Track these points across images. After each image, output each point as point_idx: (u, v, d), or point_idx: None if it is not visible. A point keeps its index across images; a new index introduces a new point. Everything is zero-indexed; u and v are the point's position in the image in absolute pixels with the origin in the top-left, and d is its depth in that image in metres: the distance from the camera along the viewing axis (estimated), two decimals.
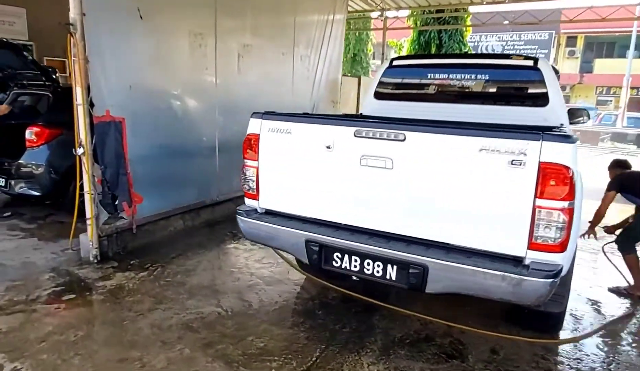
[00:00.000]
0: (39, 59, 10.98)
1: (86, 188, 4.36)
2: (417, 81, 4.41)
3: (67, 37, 4.11)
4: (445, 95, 4.23)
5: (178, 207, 5.45)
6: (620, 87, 32.66)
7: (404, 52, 12.62)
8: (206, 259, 4.77)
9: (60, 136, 5.59)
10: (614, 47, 33.39)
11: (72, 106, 5.82)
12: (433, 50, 11.82)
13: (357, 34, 26.70)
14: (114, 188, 4.58)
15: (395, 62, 4.45)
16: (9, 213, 5.93)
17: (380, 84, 4.52)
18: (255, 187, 3.04)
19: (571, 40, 33.32)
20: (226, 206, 6.22)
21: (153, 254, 4.77)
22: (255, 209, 3.12)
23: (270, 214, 3.06)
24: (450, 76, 4.18)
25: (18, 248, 4.83)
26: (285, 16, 6.92)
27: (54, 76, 5.73)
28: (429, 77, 4.28)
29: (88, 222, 4.43)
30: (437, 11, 11.69)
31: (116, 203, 4.64)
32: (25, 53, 5.18)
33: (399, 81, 4.50)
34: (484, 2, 9.72)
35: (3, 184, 5.76)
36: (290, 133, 2.83)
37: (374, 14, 11.47)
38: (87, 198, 4.39)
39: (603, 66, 32.56)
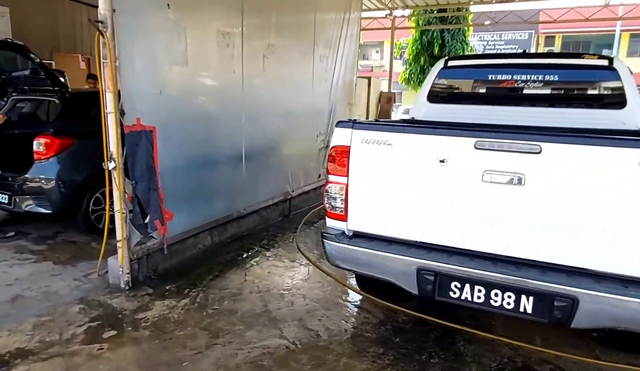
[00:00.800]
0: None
1: (117, 206, 3.87)
2: (477, 82, 4.12)
3: (96, 37, 3.63)
4: (511, 97, 3.94)
5: (207, 222, 5.00)
6: None
7: (404, 52, 12.39)
8: (246, 278, 4.35)
9: (71, 146, 5.06)
10: (589, 46, 34.18)
11: (83, 113, 5.35)
12: (436, 50, 11.63)
13: None
14: (146, 205, 4.11)
15: (450, 63, 4.13)
16: (12, 233, 5.35)
17: (434, 85, 4.19)
18: (343, 206, 2.66)
19: (549, 39, 33.97)
20: (251, 219, 5.80)
21: (188, 277, 4.32)
22: (343, 232, 2.73)
23: (360, 237, 2.68)
24: (516, 76, 3.90)
25: (34, 275, 4.29)
26: (307, 14, 6.53)
27: (62, 80, 5.16)
28: (490, 78, 3.99)
29: (119, 244, 3.94)
30: (439, 11, 11.54)
31: (146, 221, 4.17)
32: (32, 54, 4.63)
33: (457, 82, 4.19)
34: (494, 1, 9.58)
35: (6, 202, 5.18)
36: (391, 145, 2.46)
37: (381, 13, 11.18)
38: (117, 217, 3.90)
39: None
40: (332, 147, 2.65)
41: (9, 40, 4.57)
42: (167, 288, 4.08)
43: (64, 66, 10.80)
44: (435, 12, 11.47)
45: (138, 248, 4.13)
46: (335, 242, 2.66)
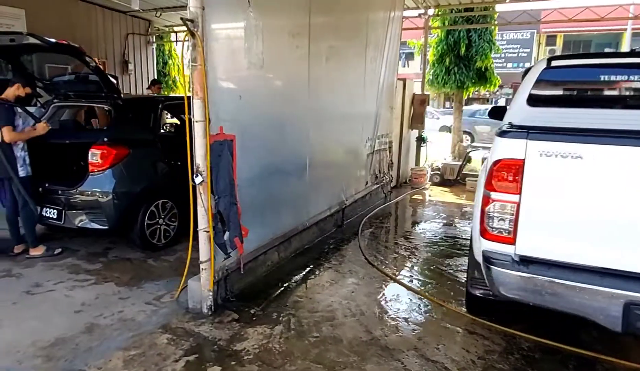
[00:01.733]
0: (39, 65, 9.81)
1: (202, 224, 3.51)
2: (588, 84, 3.82)
3: (184, 37, 3.26)
4: (629, 99, 3.65)
5: (275, 237, 4.64)
6: None
7: (428, 53, 12.09)
8: (332, 299, 4.00)
9: (127, 157, 4.69)
10: (590, 45, 34.30)
11: (137, 121, 4.97)
12: (463, 50, 11.33)
13: None
14: (227, 221, 3.75)
15: (554, 63, 3.83)
16: (59, 250, 4.94)
17: (535, 87, 3.88)
18: (510, 228, 2.33)
19: (551, 39, 33.98)
20: (311, 231, 5.46)
21: (267, 298, 3.98)
22: (510, 256, 2.40)
23: (531, 262, 2.35)
24: (634, 77, 3.60)
25: (100, 298, 3.91)
26: (361, 13, 6.20)
27: (115, 85, 4.76)
28: (603, 79, 3.69)
29: (203, 266, 3.57)
30: (466, 10, 11.28)
31: (225, 238, 3.81)
32: (87, 58, 4.25)
33: (562, 84, 3.89)
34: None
35: (55, 217, 4.79)
36: (582, 158, 2.15)
37: (414, 12, 10.89)
38: (203, 237, 3.54)
39: None
40: (498, 161, 2.33)
41: (65, 43, 4.17)
42: (252, 311, 3.72)
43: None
44: (462, 11, 11.24)
45: (218, 268, 3.77)
46: (509, 270, 2.33)
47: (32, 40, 4.03)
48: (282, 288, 4.21)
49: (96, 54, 10.95)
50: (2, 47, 4.36)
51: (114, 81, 4.93)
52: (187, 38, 3.24)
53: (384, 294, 4.14)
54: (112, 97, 4.78)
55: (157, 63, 13.44)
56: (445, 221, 6.81)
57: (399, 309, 3.86)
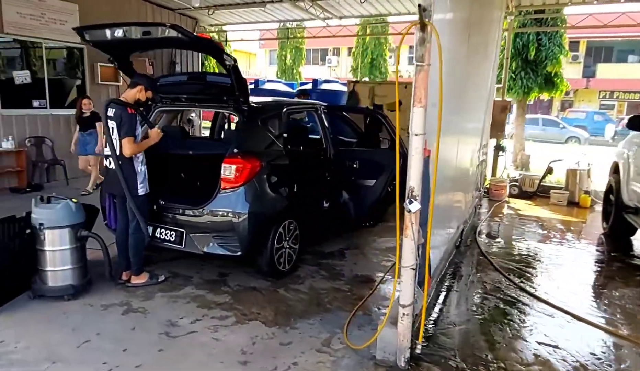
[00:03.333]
0: (90, 65, 9.17)
1: (409, 260, 2.86)
2: None
3: (406, 31, 2.63)
4: None
5: (441, 264, 4.01)
6: (624, 92, 33.19)
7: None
8: (539, 349, 3.35)
9: (260, 171, 4.04)
10: (612, 51, 33.87)
11: (266, 130, 4.32)
12: (532, 53, 10.76)
13: (377, 39, 25.65)
14: (423, 252, 3.11)
15: None
16: (163, 277, 4.27)
17: None
18: None
19: (574, 44, 33.43)
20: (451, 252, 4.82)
21: (454, 342, 3.33)
22: None
23: None
24: None
25: (258, 344, 3.24)
26: (494, 10, 5.58)
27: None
28: None
29: (405, 311, 2.92)
30: (536, 12, 10.69)
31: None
32: (226, 56, 3.60)
33: None
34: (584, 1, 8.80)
35: (174, 240, 4.13)
36: None
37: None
38: (408, 276, 2.88)
39: (605, 70, 32.95)
40: None
41: (208, 38, 3.53)
42: (454, 365, 3.07)
43: None
44: (532, 13, 10.65)
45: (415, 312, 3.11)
46: None
47: (172, 33, 3.38)
48: (464, 329, 3.57)
49: (145, 56, 10.32)
50: (132, 41, 3.71)
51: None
52: (412, 30, 2.61)
53: (574, 336, 3.51)
54: (239, 101, 4.12)
55: None
56: (563, 241, 6.19)
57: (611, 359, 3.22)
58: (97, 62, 9.16)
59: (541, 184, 9.22)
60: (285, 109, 4.59)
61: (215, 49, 3.61)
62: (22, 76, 7.95)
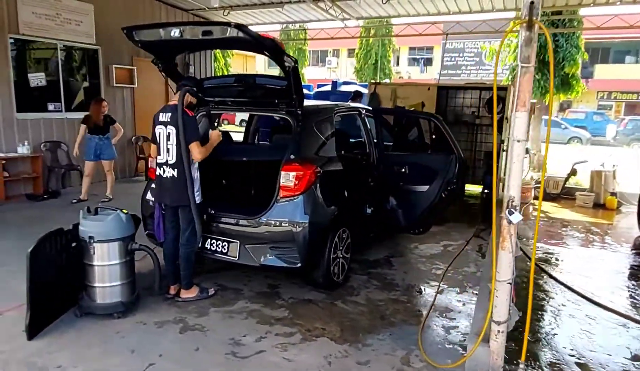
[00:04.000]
0: (104, 67, 8.90)
1: (507, 274, 2.68)
2: None
3: (509, 29, 2.45)
4: None
5: None
6: (621, 93, 33.43)
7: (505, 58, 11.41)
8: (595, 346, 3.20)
9: (318, 178, 3.84)
10: (609, 53, 34.10)
11: (318, 134, 4.12)
12: (549, 55, 10.64)
13: (381, 40, 25.52)
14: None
15: None
16: (213, 291, 4.06)
17: None
18: None
19: None
20: None
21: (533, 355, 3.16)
22: None
23: None
24: None
25: (335, 365, 3.04)
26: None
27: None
28: None
29: (500, 328, 2.73)
30: (553, 13, 10.59)
31: None
32: (287, 57, 3.38)
33: None
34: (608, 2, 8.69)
35: (226, 251, 3.92)
36: None
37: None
38: (504, 290, 2.70)
39: (602, 71, 33.18)
40: None
41: (271, 38, 3.32)
42: None
43: (146, 72, 9.49)
44: (549, 15, 10.55)
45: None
46: None
47: (234, 33, 3.16)
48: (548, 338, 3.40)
49: None
50: (187, 42, 3.49)
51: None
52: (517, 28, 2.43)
53: None
54: (293, 105, 3.92)
55: None
56: (605, 245, 6.05)
57: None
58: (112, 64, 8.91)
59: (565, 185, 9.12)
60: (335, 113, 4.40)
61: (277, 49, 3.41)
62: (37, 79, 7.67)
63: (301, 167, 3.70)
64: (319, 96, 11.43)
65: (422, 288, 4.41)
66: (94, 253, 3.47)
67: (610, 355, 3.29)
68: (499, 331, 2.75)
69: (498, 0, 9.01)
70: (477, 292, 4.18)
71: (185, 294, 3.90)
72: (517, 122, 2.52)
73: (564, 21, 10.77)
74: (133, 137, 9.45)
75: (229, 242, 3.89)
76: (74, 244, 3.55)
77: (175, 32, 3.34)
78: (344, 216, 4.18)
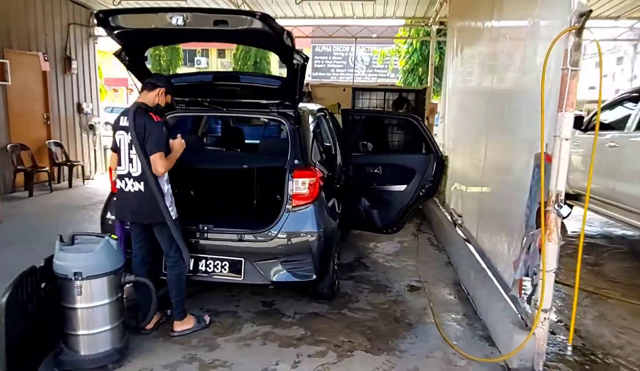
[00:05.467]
0: None
1: (552, 264, 2.86)
2: None
3: (559, 35, 2.62)
4: None
5: None
6: None
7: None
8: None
9: (325, 183, 3.66)
10: None
11: (310, 137, 3.88)
12: (437, 61, 11.78)
13: None
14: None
15: None
16: (208, 318, 3.52)
17: None
18: None
19: None
20: None
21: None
22: None
23: None
24: None
25: None
26: None
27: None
28: None
29: (546, 316, 2.91)
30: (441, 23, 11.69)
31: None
32: (297, 55, 3.08)
33: None
34: None
35: (227, 270, 3.48)
36: None
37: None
38: (550, 279, 2.88)
39: None
40: None
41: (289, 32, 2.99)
42: (576, 359, 3.18)
43: (21, 67, 7.97)
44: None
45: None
46: None
47: (258, 25, 2.77)
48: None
49: (36, 48, 8.54)
50: (187, 31, 2.94)
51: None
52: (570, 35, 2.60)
53: None
54: (287, 106, 3.65)
55: None
56: None
57: None
58: None
59: None
60: (319, 115, 4.22)
61: (293, 45, 3.11)
62: None
63: (313, 173, 3.46)
64: None
65: (410, 285, 4.48)
66: (79, 293, 2.76)
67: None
68: (545, 319, 2.93)
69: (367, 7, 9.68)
70: (462, 285, 4.41)
71: (180, 326, 3.34)
72: (565, 122, 2.71)
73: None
74: (9, 145, 7.80)
75: (230, 261, 3.45)
76: (43, 285, 2.79)
77: (177, 20, 2.82)
78: (345, 222, 4.05)
